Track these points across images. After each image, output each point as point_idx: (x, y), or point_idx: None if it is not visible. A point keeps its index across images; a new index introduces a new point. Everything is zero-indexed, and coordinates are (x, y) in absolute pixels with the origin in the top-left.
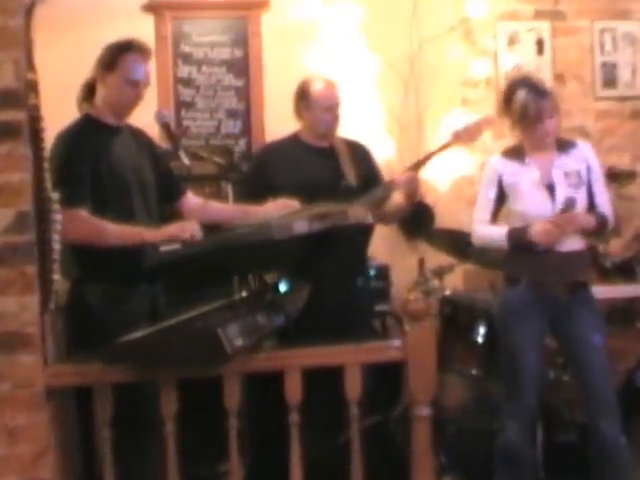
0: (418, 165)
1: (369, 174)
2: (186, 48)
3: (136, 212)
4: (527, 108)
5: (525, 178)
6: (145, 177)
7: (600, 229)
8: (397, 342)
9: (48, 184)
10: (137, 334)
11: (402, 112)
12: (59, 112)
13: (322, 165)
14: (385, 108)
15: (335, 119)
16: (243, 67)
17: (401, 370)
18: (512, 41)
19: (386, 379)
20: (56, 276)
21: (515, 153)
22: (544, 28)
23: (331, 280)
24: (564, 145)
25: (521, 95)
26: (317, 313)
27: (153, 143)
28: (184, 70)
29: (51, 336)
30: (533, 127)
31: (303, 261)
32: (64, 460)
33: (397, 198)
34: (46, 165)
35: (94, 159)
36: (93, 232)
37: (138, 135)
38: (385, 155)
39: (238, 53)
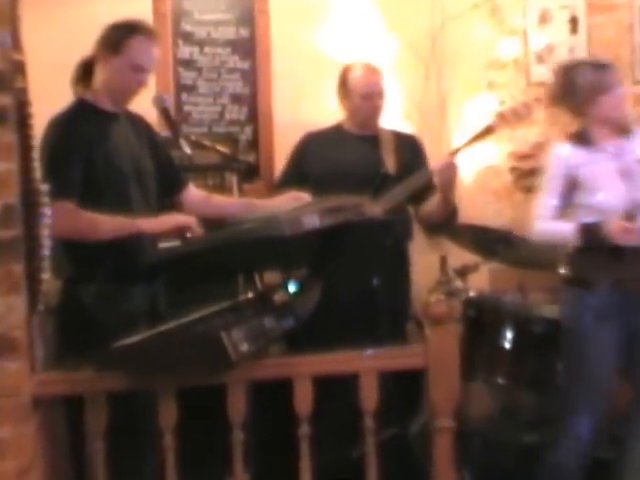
0: (457, 151)
1: (412, 165)
2: (187, 27)
3: (133, 204)
4: (597, 82)
5: (601, 167)
6: (143, 167)
7: None
8: (417, 348)
9: (37, 174)
10: (133, 338)
11: (422, 97)
12: (49, 96)
13: (361, 153)
14: (404, 93)
15: (375, 108)
16: (249, 48)
17: (421, 378)
18: (543, 19)
19: (405, 388)
20: (45, 275)
21: (583, 139)
22: (578, 5)
23: (345, 279)
24: (625, 130)
25: (585, 73)
26: (329, 315)
27: (152, 130)
28: (185, 51)
29: (39, 341)
30: (604, 102)
31: (314, 259)
32: (52, 475)
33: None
34: (35, 154)
35: (88, 148)
36: (83, 226)
37: (136, 121)
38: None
39: (244, 32)
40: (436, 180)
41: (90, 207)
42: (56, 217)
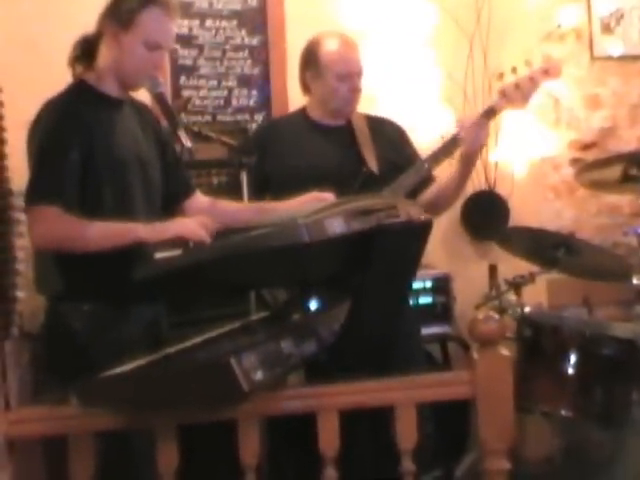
0: (489, 114)
1: (398, 158)
2: None
3: (136, 204)
4: None
5: None
6: (148, 162)
7: None
8: (463, 374)
9: (9, 174)
10: (125, 367)
11: (466, 77)
12: (25, 80)
13: (333, 148)
14: (444, 72)
15: (353, 91)
16: (259, 20)
17: (469, 411)
18: None
19: (449, 422)
20: (20, 293)
21: None
22: None
23: (376, 294)
24: None
25: None
26: (358, 338)
27: (161, 126)
28: (183, 24)
29: (13, 371)
30: None
31: (340, 271)
32: None
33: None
34: (6, 149)
35: (87, 138)
36: (69, 233)
37: (143, 112)
38: (445, 131)
39: (253, 2)
40: (462, 144)
41: (87, 206)
42: (36, 223)
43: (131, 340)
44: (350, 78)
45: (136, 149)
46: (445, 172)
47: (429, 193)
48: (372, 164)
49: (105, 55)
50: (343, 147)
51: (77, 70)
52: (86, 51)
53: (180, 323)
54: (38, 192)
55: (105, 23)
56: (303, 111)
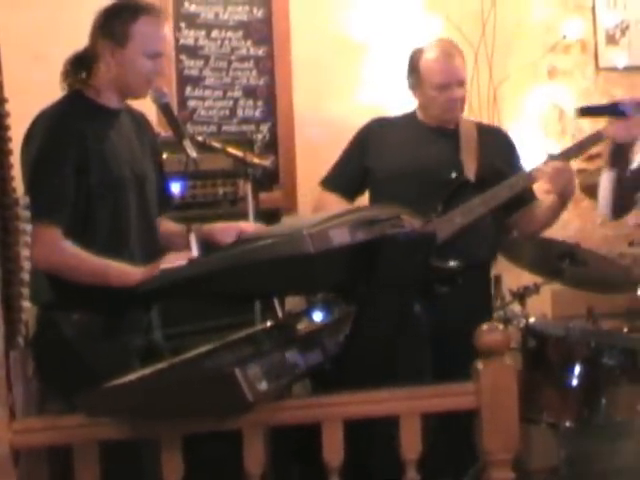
0: (568, 155)
1: (503, 166)
2: (191, 7)
3: (131, 221)
4: None
5: None
6: (145, 175)
7: None
8: (467, 385)
9: (14, 184)
10: (129, 377)
11: (471, 88)
12: (29, 92)
13: (435, 150)
14: None
15: (453, 101)
16: (265, 31)
17: (473, 421)
18: None
19: (453, 433)
20: (26, 303)
21: None
22: None
23: (381, 305)
24: None
25: None
26: (362, 348)
27: (155, 135)
28: (189, 35)
29: (20, 381)
30: None
31: (344, 281)
32: None
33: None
34: (12, 161)
35: (85, 151)
36: (65, 264)
37: (139, 121)
38: None
39: (258, 13)
40: (550, 188)
41: (81, 222)
42: (36, 245)
43: (126, 350)
44: (448, 88)
45: (133, 163)
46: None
47: (524, 214)
48: (470, 171)
49: (104, 72)
50: (446, 151)
51: (71, 85)
52: (80, 68)
53: (181, 334)
54: (39, 210)
55: (99, 43)
56: (414, 113)
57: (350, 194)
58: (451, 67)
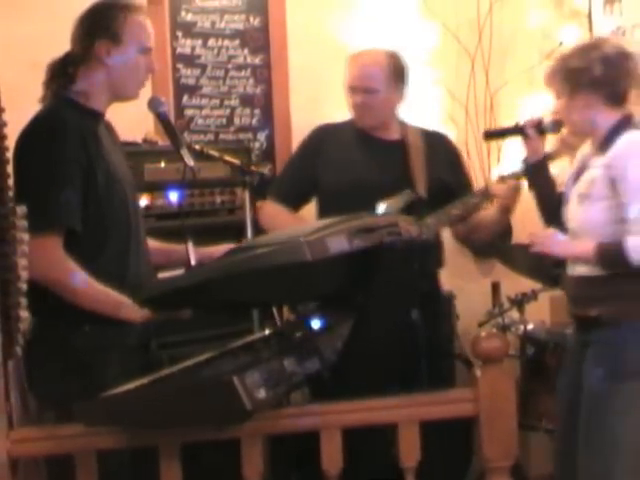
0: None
1: (450, 180)
2: (188, 16)
3: (132, 232)
4: None
5: None
6: (132, 179)
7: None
8: (466, 392)
9: (11, 193)
10: (127, 387)
11: (468, 95)
12: (24, 101)
13: (384, 165)
14: (446, 90)
15: (356, 105)
16: (261, 40)
17: (471, 428)
18: None
19: (452, 440)
20: (24, 313)
21: None
22: None
23: (379, 313)
24: None
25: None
26: (361, 355)
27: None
28: (185, 44)
29: (17, 390)
30: None
31: (342, 289)
32: None
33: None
34: (9, 169)
35: (88, 157)
36: (60, 282)
37: (111, 128)
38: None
39: (255, 22)
40: (497, 203)
41: (89, 238)
42: (35, 257)
43: (121, 359)
44: (355, 92)
45: (124, 168)
46: None
47: (475, 223)
48: (421, 187)
49: (96, 74)
50: (394, 165)
51: (56, 92)
52: (63, 72)
53: (178, 343)
54: (41, 220)
55: (91, 43)
56: (352, 122)
57: (296, 204)
58: (361, 72)
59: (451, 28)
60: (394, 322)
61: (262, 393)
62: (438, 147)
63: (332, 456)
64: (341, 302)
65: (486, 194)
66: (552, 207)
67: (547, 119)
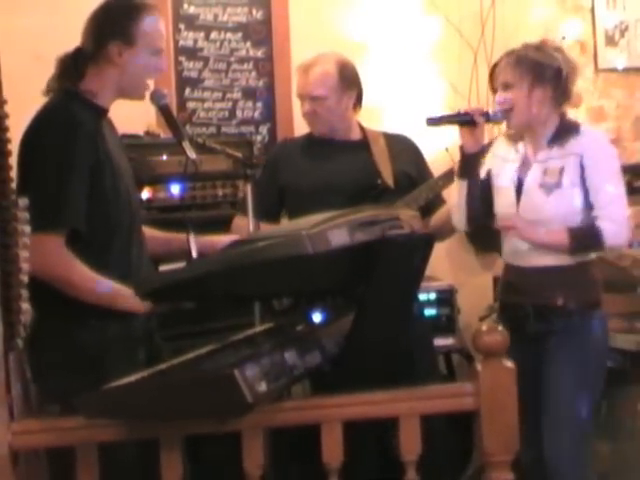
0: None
1: (414, 172)
2: (190, 9)
3: (134, 227)
4: None
5: None
6: (133, 178)
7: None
8: (467, 386)
9: (13, 186)
10: (128, 379)
11: (471, 89)
12: (27, 93)
13: (348, 164)
14: (448, 84)
15: (310, 114)
16: (264, 33)
17: (473, 422)
18: None
19: (453, 434)
20: (25, 305)
21: None
22: None
23: (380, 306)
24: None
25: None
26: (362, 349)
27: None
28: (188, 37)
29: (18, 382)
30: None
31: (343, 282)
32: None
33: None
34: (10, 162)
35: (96, 153)
36: (63, 278)
37: (111, 123)
38: (448, 143)
39: (257, 15)
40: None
41: (95, 236)
42: (36, 255)
43: (124, 352)
44: (303, 100)
45: (126, 164)
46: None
47: (439, 218)
48: (388, 178)
49: (103, 72)
50: (358, 162)
51: (63, 87)
52: (74, 68)
53: (180, 335)
54: (46, 218)
55: (104, 43)
56: (309, 134)
57: (273, 217)
58: (307, 80)
59: (454, 22)
60: (395, 316)
61: (263, 386)
62: (399, 145)
63: (333, 449)
64: (342, 295)
65: (450, 176)
66: (473, 201)
67: (493, 108)
